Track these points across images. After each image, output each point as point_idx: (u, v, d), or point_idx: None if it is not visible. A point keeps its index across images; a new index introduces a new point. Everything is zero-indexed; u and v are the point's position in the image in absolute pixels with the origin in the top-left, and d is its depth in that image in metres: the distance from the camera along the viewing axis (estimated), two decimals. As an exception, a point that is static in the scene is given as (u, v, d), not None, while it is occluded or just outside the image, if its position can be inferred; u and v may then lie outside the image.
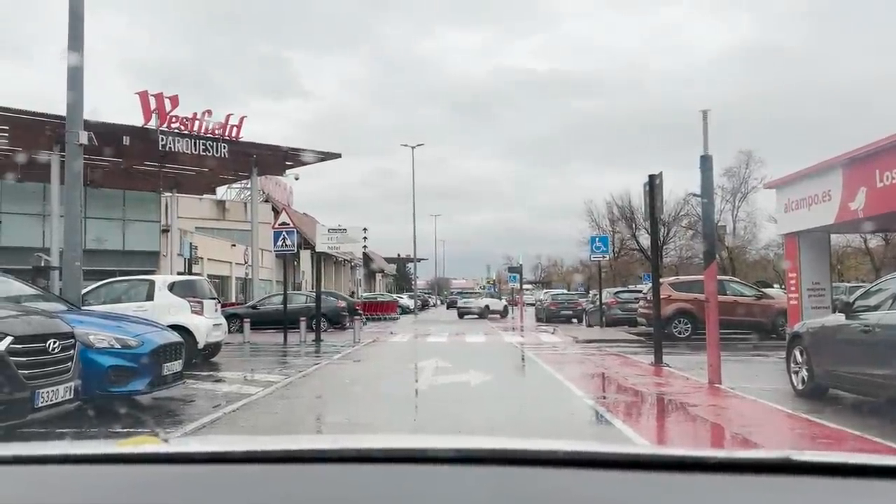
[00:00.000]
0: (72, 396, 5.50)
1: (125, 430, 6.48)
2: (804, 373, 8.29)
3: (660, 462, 1.04)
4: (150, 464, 1.06)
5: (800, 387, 8.37)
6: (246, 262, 35.77)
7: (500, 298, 45.15)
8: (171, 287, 12.87)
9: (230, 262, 38.95)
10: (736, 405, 8.01)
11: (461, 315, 39.27)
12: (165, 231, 33.13)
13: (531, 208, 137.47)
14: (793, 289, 14.37)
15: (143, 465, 1.06)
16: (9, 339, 4.91)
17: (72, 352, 5.63)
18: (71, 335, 5.71)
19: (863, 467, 0.99)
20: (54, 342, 5.36)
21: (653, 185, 11.42)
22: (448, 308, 65.99)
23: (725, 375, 9.27)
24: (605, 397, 9.10)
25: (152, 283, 12.87)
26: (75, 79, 9.81)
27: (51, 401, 5.23)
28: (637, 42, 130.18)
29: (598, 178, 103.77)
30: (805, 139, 63.09)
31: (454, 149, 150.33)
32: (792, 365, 8.59)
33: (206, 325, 12.62)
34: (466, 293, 53.43)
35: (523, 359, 14.87)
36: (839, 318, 7.80)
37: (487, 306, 39.86)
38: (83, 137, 9.71)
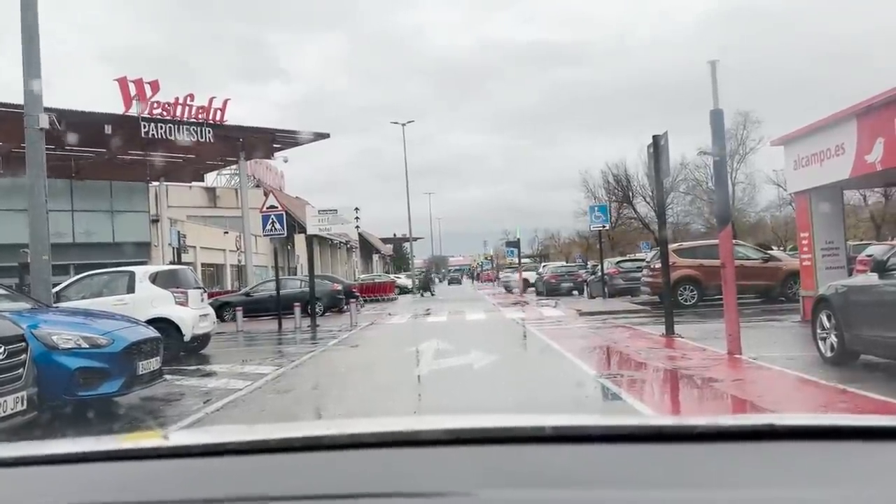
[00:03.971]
0: (24, 407, 4.86)
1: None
2: (833, 338, 7.68)
3: (644, 433, 1.04)
4: (151, 459, 1.05)
5: (828, 354, 7.76)
6: (238, 249, 35.08)
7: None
8: (154, 278, 12.18)
9: (224, 250, 38.31)
10: (763, 377, 7.40)
11: (509, 290, 39.34)
12: (156, 221, 32.41)
13: (523, 181, 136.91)
14: (805, 249, 13.72)
15: (143, 461, 1.05)
16: (-61, 348, 4.27)
17: (23, 356, 4.98)
18: (21, 338, 5.06)
19: (847, 430, 1.00)
20: (-2, 348, 4.71)
21: (657, 146, 10.74)
22: (450, 284, 65.57)
23: (743, 344, 8.66)
24: (620, 375, 8.48)
25: (132, 274, 12.18)
26: (31, 58, 9.05)
27: (-3, 414, 4.59)
28: (621, 8, 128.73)
29: (588, 147, 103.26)
30: (799, 97, 62.09)
31: (441, 124, 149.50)
32: (819, 330, 7.97)
33: (192, 316, 11.96)
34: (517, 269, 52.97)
35: (527, 335, 14.29)
36: (871, 279, 7.18)
37: (526, 280, 38.91)
38: (44, 121, 8.97)
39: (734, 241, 23.13)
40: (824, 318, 7.87)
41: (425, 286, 43.72)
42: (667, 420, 1.02)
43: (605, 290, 23.60)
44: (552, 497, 0.85)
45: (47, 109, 9.68)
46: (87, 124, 23.96)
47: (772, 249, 28.13)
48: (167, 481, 0.97)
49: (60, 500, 0.94)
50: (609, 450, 0.97)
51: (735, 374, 7.71)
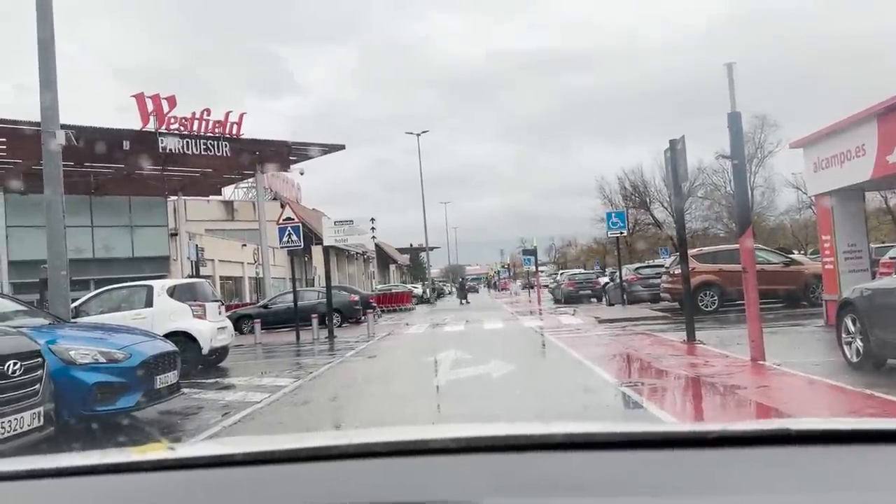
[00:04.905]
0: (41, 423, 4.84)
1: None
2: (858, 343, 7.51)
3: (657, 440, 1.02)
4: (158, 471, 1.04)
5: (854, 359, 7.59)
6: (256, 262, 35.23)
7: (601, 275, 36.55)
8: (172, 292, 12.22)
9: (242, 263, 38.50)
10: (788, 384, 7.25)
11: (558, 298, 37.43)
12: (174, 235, 32.64)
13: (537, 189, 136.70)
14: (827, 252, 13.51)
15: (151, 472, 1.04)
16: (-46, 365, 4.26)
17: (39, 372, 4.97)
18: (37, 354, 5.05)
19: (864, 433, 0.98)
20: (15, 363, 4.69)
21: (675, 150, 10.63)
22: (468, 293, 65.40)
23: (766, 350, 8.49)
24: (641, 383, 8.35)
25: (150, 288, 12.21)
26: (48, 75, 9.13)
27: (14, 431, 4.57)
28: (630, 13, 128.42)
29: (601, 153, 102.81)
30: (815, 99, 61.57)
31: (453, 133, 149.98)
32: (843, 335, 7.80)
33: (210, 329, 11.97)
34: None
35: (545, 344, 14.16)
36: (897, 281, 7.03)
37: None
38: (60, 138, 9.04)
39: (756, 245, 22.90)
40: (849, 323, 7.71)
41: (463, 294, 43.34)
42: (679, 426, 0.96)
43: (624, 296, 23.40)
44: None
45: (64, 126, 9.76)
46: (106, 140, 24.21)
47: (792, 253, 27.82)
48: (174, 493, 0.96)
49: None
50: (619, 456, 0.96)
51: (759, 381, 7.56)
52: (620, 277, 24.40)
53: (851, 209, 13.11)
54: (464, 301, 40.95)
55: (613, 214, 26.84)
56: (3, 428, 4.48)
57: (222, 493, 0.95)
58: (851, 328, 7.67)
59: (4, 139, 23.94)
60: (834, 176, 12.61)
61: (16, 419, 4.60)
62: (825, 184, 13.06)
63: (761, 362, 8.26)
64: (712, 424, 0.98)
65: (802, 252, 35.38)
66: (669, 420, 5.89)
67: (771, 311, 16.04)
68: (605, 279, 31.56)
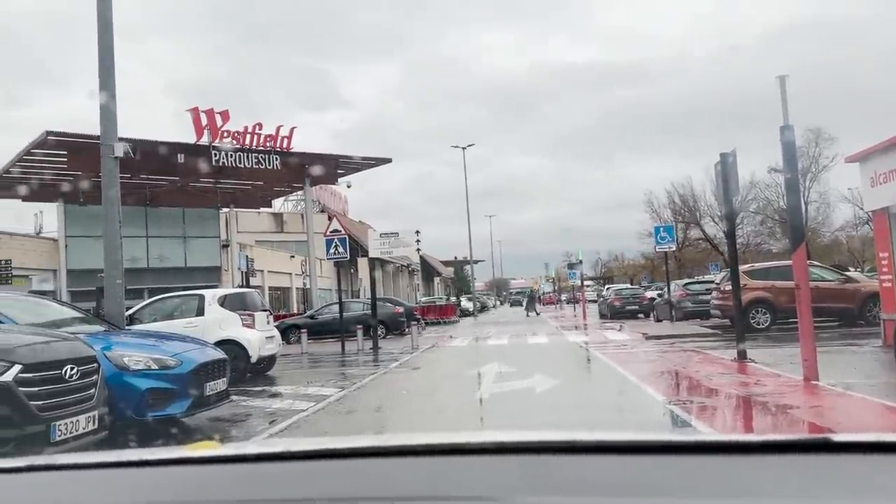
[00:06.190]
0: (96, 426, 4.99)
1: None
2: (919, 364, 7.26)
3: (692, 446, 1.01)
4: (207, 464, 1.14)
5: (914, 380, 7.33)
6: (304, 273, 35.71)
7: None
8: (222, 301, 12.49)
9: (290, 274, 39.09)
10: (842, 404, 7.02)
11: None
12: (226, 246, 33.33)
13: (582, 202, 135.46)
14: (885, 270, 13.06)
15: (201, 465, 1.13)
16: (17, 368, 4.42)
17: (94, 377, 5.13)
18: (93, 359, 5.21)
19: None
20: (72, 368, 4.85)
21: (725, 165, 10.44)
22: (511, 306, 65.31)
23: (820, 370, 8.24)
24: (690, 401, 8.19)
25: (202, 297, 12.51)
26: (107, 90, 9.47)
27: (71, 433, 4.72)
28: (678, 25, 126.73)
29: (649, 167, 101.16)
30: (871, 111, 59.60)
31: (497, 147, 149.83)
32: (902, 355, 7.55)
33: (259, 338, 12.20)
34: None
35: (590, 359, 14.00)
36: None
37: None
38: (118, 150, 9.35)
39: (810, 262, 22.29)
40: (908, 342, 7.45)
41: (532, 306, 43.60)
42: (715, 436, 0.90)
43: (673, 313, 23.00)
44: None
45: (121, 140, 10.09)
46: (161, 153, 24.93)
47: (848, 270, 26.97)
48: (223, 484, 1.02)
49: (128, 500, 1.01)
50: (652, 460, 0.97)
51: (812, 401, 7.34)
52: (669, 293, 24.01)
53: (911, 225, 12.68)
54: (530, 313, 40.87)
55: (662, 229, 26.41)
56: (59, 430, 4.64)
57: (267, 485, 0.99)
58: (911, 348, 7.41)
59: (65, 152, 24.80)
60: (892, 190, 12.22)
61: (72, 422, 4.75)
62: (883, 199, 12.66)
63: (815, 382, 8.02)
64: (749, 435, 0.96)
65: (859, 269, 34.31)
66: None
67: (825, 329, 15.59)
68: (653, 294, 31.06)
